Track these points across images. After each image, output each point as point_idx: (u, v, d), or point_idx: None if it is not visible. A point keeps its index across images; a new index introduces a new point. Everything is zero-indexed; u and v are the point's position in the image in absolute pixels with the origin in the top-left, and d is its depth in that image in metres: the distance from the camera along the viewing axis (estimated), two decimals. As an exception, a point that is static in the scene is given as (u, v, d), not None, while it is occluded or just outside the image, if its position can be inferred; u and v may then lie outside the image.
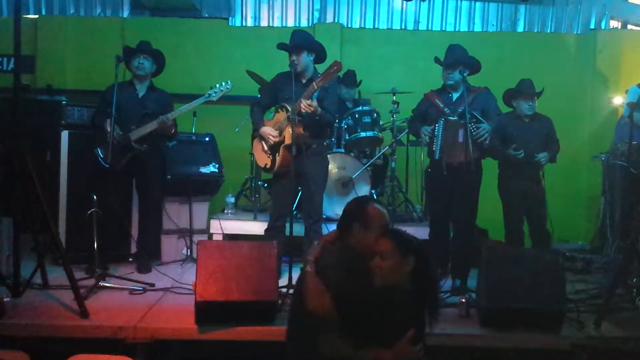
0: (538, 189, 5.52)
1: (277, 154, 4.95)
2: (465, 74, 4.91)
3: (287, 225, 4.81)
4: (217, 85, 5.28)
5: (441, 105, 5.07)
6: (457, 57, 5.02)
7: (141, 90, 5.38)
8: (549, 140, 5.57)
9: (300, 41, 4.94)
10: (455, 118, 4.93)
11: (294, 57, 4.84)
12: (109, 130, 5.01)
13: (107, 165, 5.02)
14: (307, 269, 3.01)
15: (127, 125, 5.19)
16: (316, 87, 4.70)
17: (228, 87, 5.29)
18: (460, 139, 4.84)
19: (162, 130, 5.23)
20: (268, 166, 5.08)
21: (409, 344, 2.77)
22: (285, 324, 3.43)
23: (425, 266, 2.90)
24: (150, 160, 5.38)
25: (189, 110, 5.35)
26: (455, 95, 5.09)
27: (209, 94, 5.27)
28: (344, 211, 3.22)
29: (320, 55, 5.06)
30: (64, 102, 5.74)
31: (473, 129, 4.78)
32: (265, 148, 5.06)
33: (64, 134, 5.59)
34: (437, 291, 3.20)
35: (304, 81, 4.86)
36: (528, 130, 5.50)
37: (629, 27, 8.44)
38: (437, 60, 5.13)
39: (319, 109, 4.75)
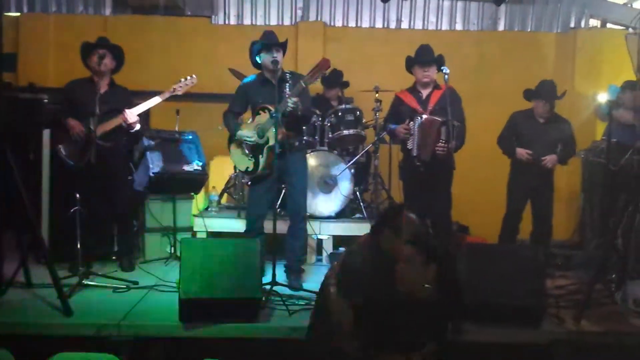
0: (546, 188, 5.62)
1: (260, 156, 4.94)
2: (446, 72, 5.03)
3: (268, 223, 4.83)
4: (182, 80, 5.30)
5: (413, 104, 5.21)
6: (432, 56, 5.20)
7: (102, 86, 5.26)
8: (562, 143, 5.63)
9: (277, 40, 4.94)
10: (428, 116, 5.06)
11: (276, 55, 4.85)
12: (79, 127, 5.02)
13: (71, 163, 5.06)
14: (331, 289, 3.05)
15: (90, 122, 5.08)
16: (304, 85, 4.72)
17: (193, 81, 5.33)
18: (436, 136, 4.97)
19: (127, 125, 5.20)
20: (250, 169, 5.04)
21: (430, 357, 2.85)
22: (271, 322, 3.49)
23: (449, 275, 3.08)
24: (117, 157, 5.34)
25: (153, 104, 5.30)
26: (424, 94, 5.26)
27: (174, 89, 5.29)
28: (379, 215, 3.31)
29: (285, 51, 5.06)
30: (45, 101, 5.71)
31: (450, 126, 4.90)
32: (246, 151, 5.04)
33: (46, 133, 5.56)
34: (461, 301, 3.27)
35: (275, 82, 4.76)
36: (541, 132, 5.59)
37: (608, 25, 8.53)
38: (410, 59, 5.26)
39: (301, 105, 4.77)
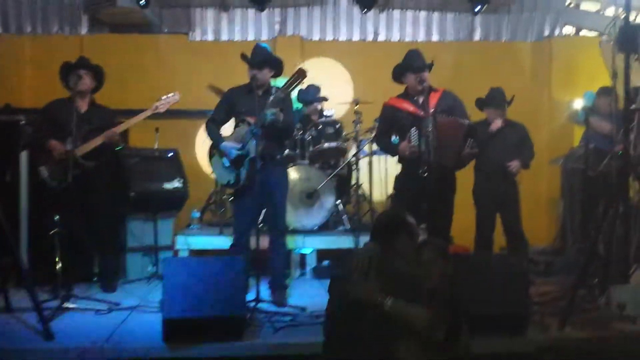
0: (511, 193, 5.63)
1: (241, 168, 4.93)
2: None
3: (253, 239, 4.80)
4: (163, 97, 5.29)
5: (412, 108, 4.85)
6: (424, 61, 4.90)
7: (82, 106, 5.24)
8: (522, 147, 5.67)
9: (263, 57, 4.93)
10: (446, 118, 4.75)
11: (256, 72, 4.85)
12: (61, 148, 4.96)
13: (54, 184, 5.01)
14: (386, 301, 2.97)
15: (72, 142, 5.02)
16: (281, 95, 4.70)
17: (176, 98, 5.32)
18: (462, 140, 4.72)
19: (109, 144, 5.18)
20: (232, 182, 5.01)
21: None
22: (257, 339, 3.46)
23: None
24: (99, 176, 5.27)
25: (136, 122, 5.29)
26: (420, 99, 4.84)
27: (156, 106, 5.27)
28: (384, 225, 3.30)
29: (278, 70, 5.05)
30: (22, 122, 5.66)
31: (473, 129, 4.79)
32: (228, 164, 5.01)
33: (24, 154, 5.51)
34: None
35: (260, 93, 4.82)
36: (499, 138, 5.60)
37: (582, 32, 8.64)
38: (401, 66, 4.96)
39: (282, 116, 4.71)
